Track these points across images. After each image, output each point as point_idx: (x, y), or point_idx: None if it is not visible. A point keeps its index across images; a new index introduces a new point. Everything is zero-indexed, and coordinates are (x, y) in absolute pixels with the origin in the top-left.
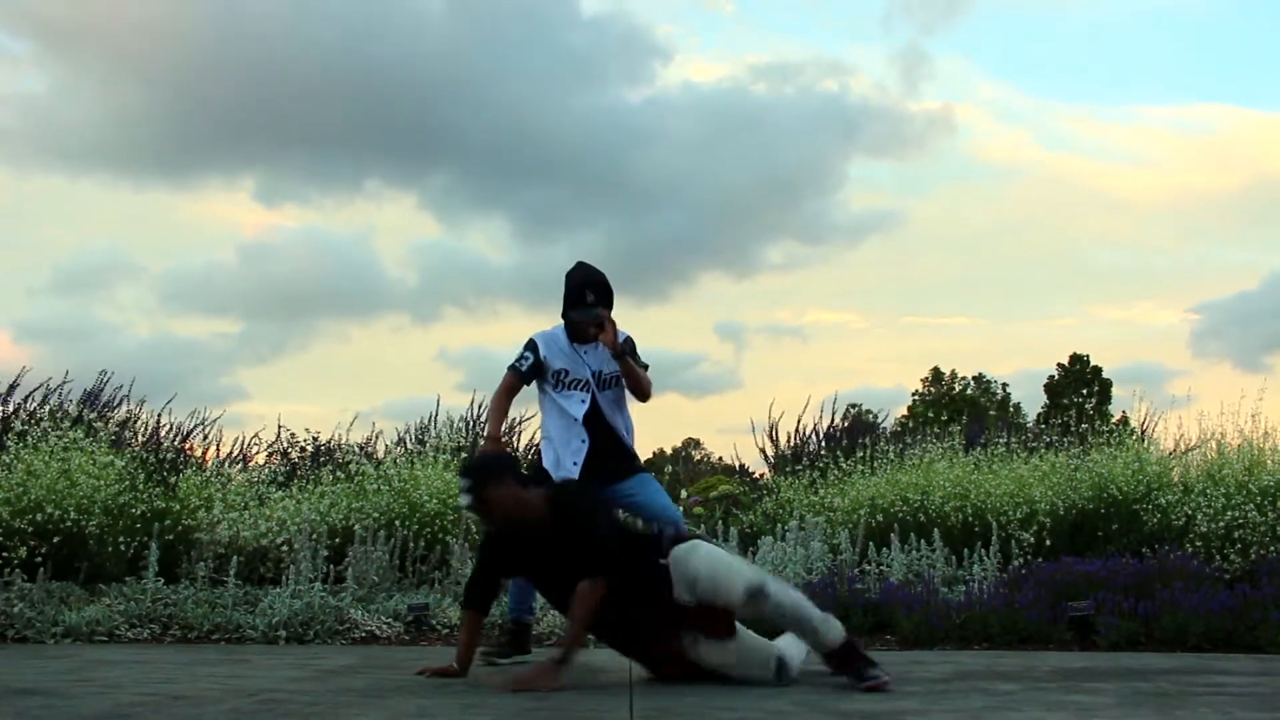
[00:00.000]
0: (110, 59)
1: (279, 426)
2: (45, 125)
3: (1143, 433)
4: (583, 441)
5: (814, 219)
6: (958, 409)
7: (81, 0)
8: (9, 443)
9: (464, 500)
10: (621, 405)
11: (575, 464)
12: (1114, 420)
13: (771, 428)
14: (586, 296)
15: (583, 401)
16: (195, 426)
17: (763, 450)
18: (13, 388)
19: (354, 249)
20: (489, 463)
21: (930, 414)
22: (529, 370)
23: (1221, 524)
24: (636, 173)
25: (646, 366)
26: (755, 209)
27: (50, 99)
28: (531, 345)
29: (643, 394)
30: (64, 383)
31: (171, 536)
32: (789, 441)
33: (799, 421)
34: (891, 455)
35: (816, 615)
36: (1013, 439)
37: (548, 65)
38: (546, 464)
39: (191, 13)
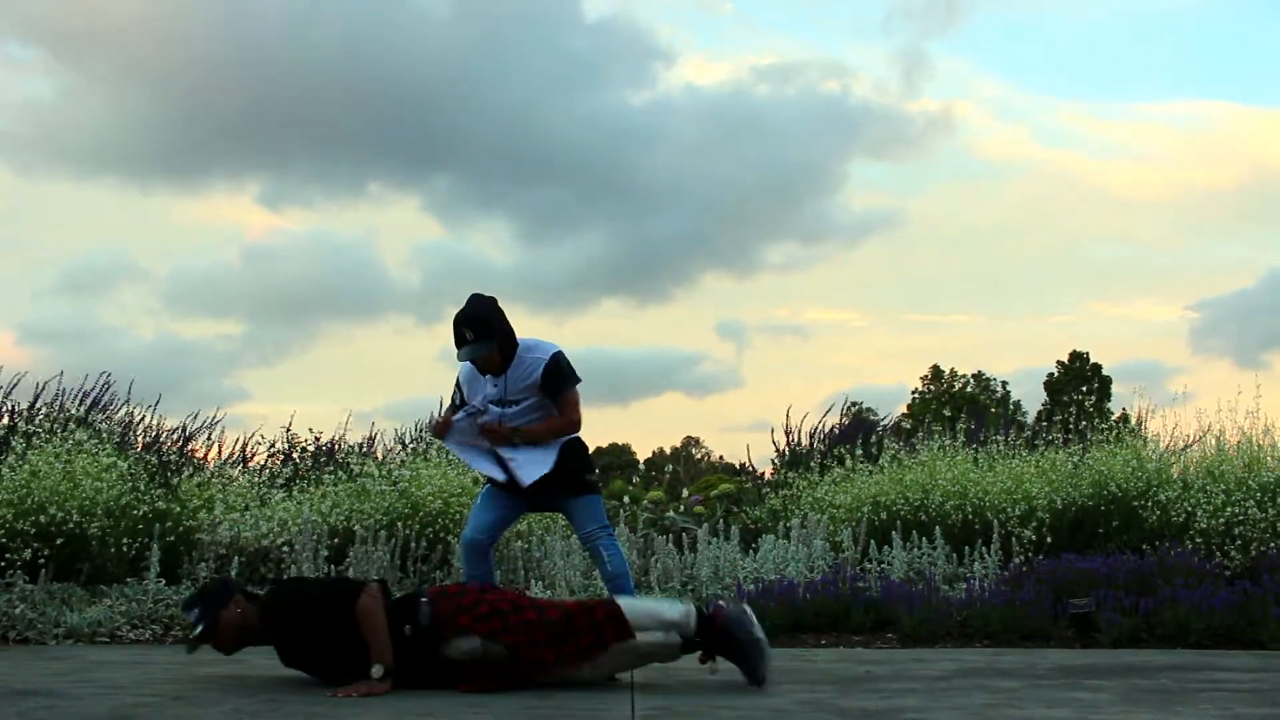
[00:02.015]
0: (117, 65)
1: (287, 428)
2: (53, 131)
3: (1143, 430)
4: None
5: (815, 219)
6: (957, 406)
7: (89, 8)
8: (14, 444)
9: (196, 632)
10: (535, 418)
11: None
12: (1114, 417)
13: (793, 428)
14: (465, 335)
15: (496, 419)
16: (199, 429)
17: (779, 447)
18: (14, 388)
19: (357, 251)
20: (215, 590)
21: (932, 410)
22: (461, 403)
23: (1222, 520)
24: (639, 174)
25: (578, 380)
26: (757, 210)
27: (58, 105)
28: (457, 381)
29: (568, 431)
30: (58, 379)
31: (173, 537)
32: (798, 439)
33: (819, 421)
34: (894, 453)
35: (666, 618)
36: (1013, 436)
37: (551, 68)
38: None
39: (197, 19)
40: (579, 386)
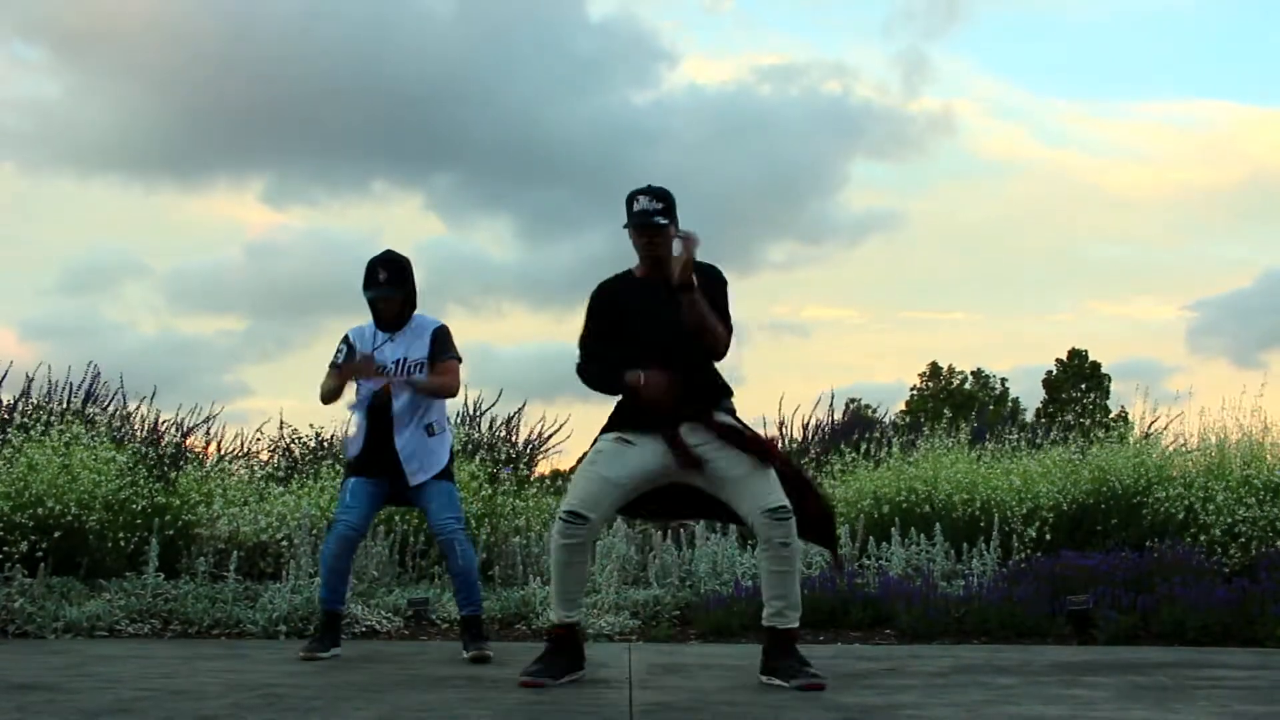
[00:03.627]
0: (122, 64)
1: (280, 423)
2: (58, 129)
3: (1146, 428)
4: (362, 434)
5: (816, 218)
6: (956, 403)
7: (93, 6)
8: (10, 436)
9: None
10: (426, 397)
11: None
12: (1112, 415)
13: (782, 423)
14: (379, 275)
15: (376, 389)
16: (198, 423)
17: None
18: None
19: (360, 248)
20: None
21: (929, 408)
22: (334, 367)
23: (1228, 520)
24: (641, 173)
25: (460, 358)
26: (757, 209)
27: (63, 103)
28: (345, 339)
29: (450, 392)
30: (48, 371)
31: (172, 532)
32: (791, 435)
33: (810, 414)
34: (895, 449)
35: (796, 595)
36: (1015, 433)
37: (555, 68)
38: (350, 452)
39: (202, 17)
40: (460, 366)
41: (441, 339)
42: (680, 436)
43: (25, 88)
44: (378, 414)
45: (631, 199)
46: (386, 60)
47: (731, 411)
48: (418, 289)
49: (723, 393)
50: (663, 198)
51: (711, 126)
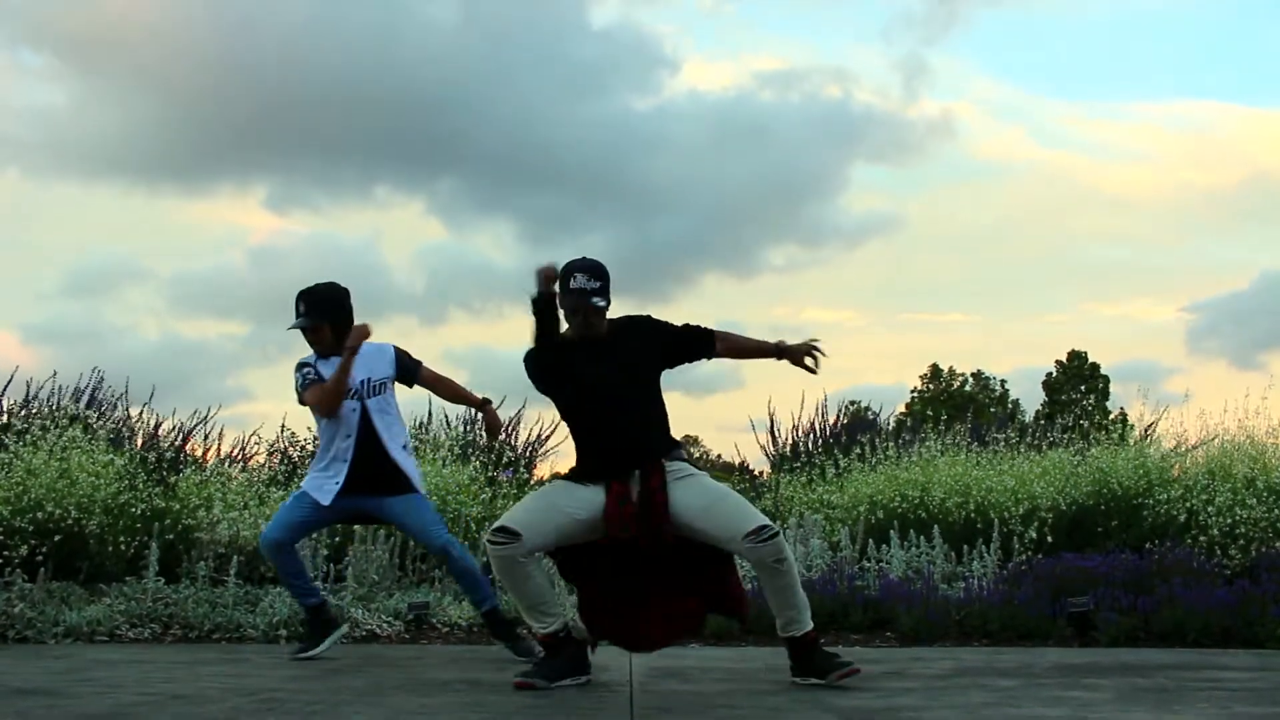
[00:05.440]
0: (126, 70)
1: (281, 426)
2: (62, 135)
3: (1145, 429)
4: (344, 463)
5: (816, 222)
6: (956, 405)
7: (97, 13)
8: (7, 441)
9: (600, 302)
10: (390, 411)
11: (336, 484)
12: (1112, 417)
13: (772, 425)
14: (299, 308)
15: (354, 410)
16: (195, 425)
17: (764, 447)
18: (9, 385)
19: (362, 253)
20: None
21: (930, 411)
22: (316, 381)
23: (1228, 521)
24: (642, 178)
25: (419, 364)
26: (758, 213)
27: (67, 110)
28: (306, 364)
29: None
30: (53, 378)
31: (172, 536)
32: (790, 439)
33: (802, 420)
34: (890, 452)
35: (802, 599)
36: (1012, 435)
37: (557, 75)
38: (307, 486)
39: (205, 24)
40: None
41: (404, 354)
42: (621, 493)
43: (30, 94)
44: (361, 434)
45: (568, 275)
46: (389, 67)
47: (683, 460)
48: (352, 315)
49: (671, 443)
50: (599, 275)
51: (712, 132)
